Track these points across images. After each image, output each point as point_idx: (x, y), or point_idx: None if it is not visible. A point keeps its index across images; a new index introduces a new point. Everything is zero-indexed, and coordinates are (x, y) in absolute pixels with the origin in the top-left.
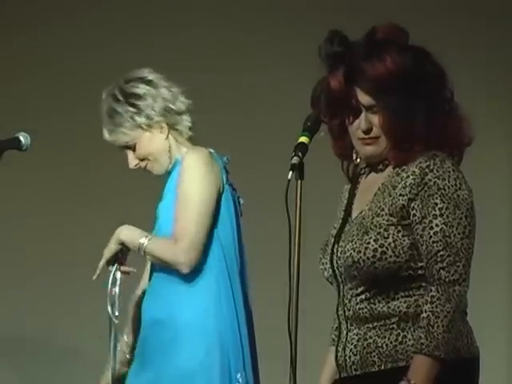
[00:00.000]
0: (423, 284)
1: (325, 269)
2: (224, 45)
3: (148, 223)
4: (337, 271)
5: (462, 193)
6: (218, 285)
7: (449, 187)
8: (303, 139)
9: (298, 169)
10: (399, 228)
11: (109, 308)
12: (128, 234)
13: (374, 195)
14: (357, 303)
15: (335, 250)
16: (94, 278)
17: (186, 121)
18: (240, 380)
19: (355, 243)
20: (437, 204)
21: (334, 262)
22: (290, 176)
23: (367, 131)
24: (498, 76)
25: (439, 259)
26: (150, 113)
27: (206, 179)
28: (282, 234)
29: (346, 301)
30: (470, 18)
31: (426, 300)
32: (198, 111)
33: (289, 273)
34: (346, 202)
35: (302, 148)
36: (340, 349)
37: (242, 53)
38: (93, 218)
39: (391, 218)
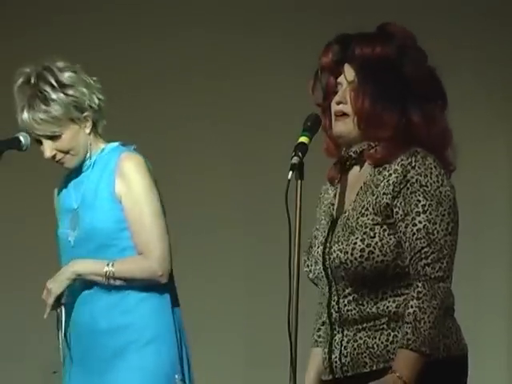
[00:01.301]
0: (411, 282)
1: (310, 271)
2: (224, 46)
3: None
4: (328, 272)
5: (444, 189)
6: (162, 285)
7: (431, 184)
8: (303, 139)
9: (298, 169)
10: (385, 227)
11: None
12: (86, 265)
13: (357, 195)
14: (345, 305)
15: (326, 252)
16: (45, 316)
17: (104, 117)
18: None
19: (341, 244)
20: (420, 201)
21: (326, 263)
22: (290, 176)
23: (338, 102)
24: (497, 72)
25: (423, 256)
26: (84, 106)
27: (152, 187)
28: (282, 234)
29: (334, 302)
30: (472, 15)
31: (412, 296)
32: (199, 112)
33: (289, 273)
34: (329, 202)
35: (302, 148)
36: (328, 351)
37: (243, 54)
38: None
39: (376, 218)
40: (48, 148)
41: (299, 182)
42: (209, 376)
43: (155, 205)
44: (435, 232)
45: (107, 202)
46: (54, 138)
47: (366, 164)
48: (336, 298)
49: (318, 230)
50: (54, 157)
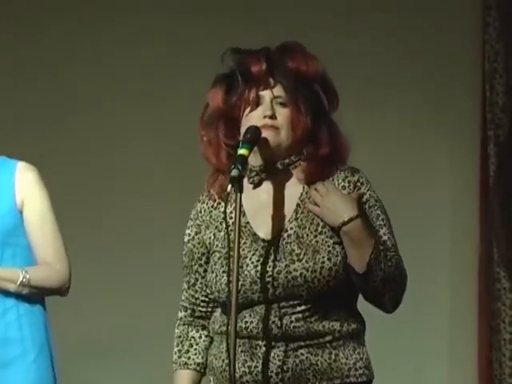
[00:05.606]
0: (356, 303)
1: (228, 290)
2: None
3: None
4: (275, 291)
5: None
6: (41, 300)
7: (379, 198)
8: (243, 151)
9: (238, 181)
10: (341, 246)
11: None
12: None
13: (297, 213)
14: (291, 321)
15: (276, 271)
16: None
17: None
18: None
19: (306, 262)
20: (379, 215)
21: (271, 282)
22: (229, 189)
23: (272, 116)
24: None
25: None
26: None
27: (49, 197)
28: None
29: (275, 319)
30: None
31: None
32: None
33: (227, 290)
34: (233, 218)
35: (242, 160)
36: (257, 365)
37: None
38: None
39: (333, 235)
40: None
41: (239, 194)
42: None
43: (55, 217)
44: (395, 243)
45: (5, 205)
46: None
47: (293, 180)
48: (279, 313)
49: (220, 248)
50: None
